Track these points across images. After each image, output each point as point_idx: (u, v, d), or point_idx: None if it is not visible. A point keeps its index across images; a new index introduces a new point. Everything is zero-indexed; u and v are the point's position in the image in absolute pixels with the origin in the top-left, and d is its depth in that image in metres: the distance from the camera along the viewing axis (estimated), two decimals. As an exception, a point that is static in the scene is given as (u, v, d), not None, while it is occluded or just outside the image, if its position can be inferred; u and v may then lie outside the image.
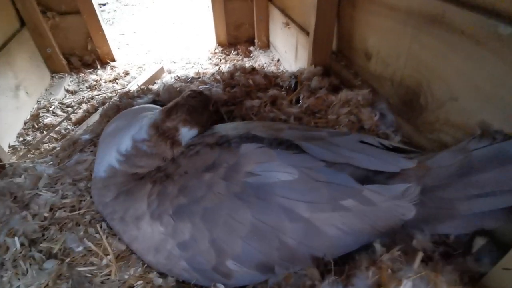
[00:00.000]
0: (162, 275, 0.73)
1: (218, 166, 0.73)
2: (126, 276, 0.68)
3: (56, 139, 1.39)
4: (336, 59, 1.32)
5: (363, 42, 1.11)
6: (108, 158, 0.80)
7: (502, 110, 0.63)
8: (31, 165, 0.93)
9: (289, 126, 0.87)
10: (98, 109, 1.52)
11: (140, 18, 3.18)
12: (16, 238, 0.69)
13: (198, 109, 0.88)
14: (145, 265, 0.74)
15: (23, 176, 0.88)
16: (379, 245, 0.65)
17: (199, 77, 1.40)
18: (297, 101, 1.20)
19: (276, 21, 2.04)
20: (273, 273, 0.69)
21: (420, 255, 0.60)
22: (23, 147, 1.36)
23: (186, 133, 0.84)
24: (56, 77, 1.95)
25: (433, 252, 0.65)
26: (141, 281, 0.68)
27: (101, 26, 1.98)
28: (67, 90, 1.87)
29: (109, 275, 0.68)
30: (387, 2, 0.93)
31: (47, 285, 0.63)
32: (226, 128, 0.86)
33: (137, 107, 0.99)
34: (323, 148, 0.73)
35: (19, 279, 0.65)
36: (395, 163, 0.70)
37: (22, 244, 0.70)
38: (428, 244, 0.65)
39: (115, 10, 3.46)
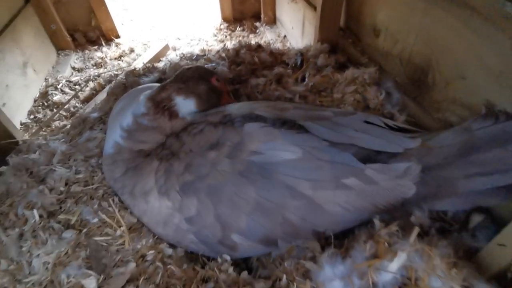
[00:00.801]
0: (172, 246, 0.78)
1: (222, 144, 0.75)
2: (138, 246, 0.73)
3: (66, 117, 1.43)
4: (344, 36, 1.29)
5: (372, 17, 1.08)
6: (114, 135, 0.83)
7: (508, 89, 0.62)
8: (44, 142, 0.97)
9: (294, 106, 0.87)
10: (105, 87, 1.53)
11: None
12: (34, 211, 0.74)
13: (194, 78, 0.87)
14: (156, 237, 0.78)
15: (37, 153, 0.92)
16: (378, 221, 0.68)
17: (204, 55, 1.39)
18: (303, 79, 1.19)
19: (283, -6, 1.98)
20: (276, 246, 0.72)
21: (416, 230, 0.62)
22: (34, 124, 1.40)
23: (182, 103, 0.83)
24: (62, 54, 1.95)
25: (430, 227, 0.67)
26: (153, 251, 0.73)
27: (103, 1, 1.94)
28: (73, 68, 1.88)
29: (123, 244, 0.72)
30: (398, -25, 0.89)
31: (66, 252, 0.68)
32: (230, 107, 0.87)
33: (141, 86, 1.00)
34: (327, 128, 0.74)
35: (39, 248, 0.70)
36: (399, 143, 0.71)
37: (40, 216, 0.75)
38: (426, 220, 0.68)
39: (118, -16, 3.36)
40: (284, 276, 0.65)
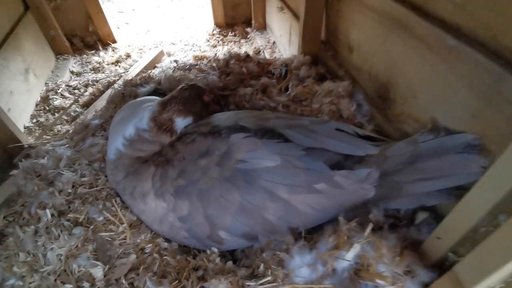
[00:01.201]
0: (167, 240, 0.90)
1: (211, 153, 0.87)
2: (138, 240, 0.84)
3: (67, 121, 1.52)
4: (325, 48, 1.41)
5: (346, 35, 1.20)
6: (116, 143, 0.94)
7: (448, 109, 0.75)
8: (51, 148, 1.07)
9: (275, 116, 1.00)
10: (103, 92, 1.63)
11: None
12: (47, 210, 0.85)
13: (191, 99, 1.00)
14: (153, 233, 0.90)
15: (45, 158, 1.03)
16: (342, 218, 0.81)
17: (197, 64, 1.50)
18: (286, 89, 1.31)
19: (272, 3, 2.08)
20: (257, 241, 0.85)
21: (370, 226, 0.75)
22: (37, 128, 1.50)
23: (181, 122, 0.97)
24: (61, 58, 2.03)
25: (384, 223, 0.80)
26: (151, 244, 0.85)
27: (100, 8, 2.03)
28: (72, 72, 1.97)
29: (125, 239, 0.84)
30: (366, 2, 1.01)
31: (77, 246, 0.79)
32: (219, 118, 0.98)
33: (140, 99, 1.11)
34: (303, 135, 0.87)
35: (52, 243, 0.81)
36: (362, 149, 0.84)
37: (52, 215, 0.86)
38: (381, 217, 0.80)
39: (112, -15, 3.42)
40: (262, 265, 0.77)
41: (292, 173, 0.81)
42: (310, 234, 0.84)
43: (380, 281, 0.67)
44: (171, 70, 1.42)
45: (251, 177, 0.81)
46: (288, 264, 0.75)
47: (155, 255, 0.82)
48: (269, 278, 0.72)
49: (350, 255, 0.70)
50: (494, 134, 0.64)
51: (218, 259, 0.82)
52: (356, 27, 1.12)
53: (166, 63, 1.92)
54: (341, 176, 0.80)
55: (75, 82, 1.83)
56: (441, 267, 0.71)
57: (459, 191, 0.74)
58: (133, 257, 0.81)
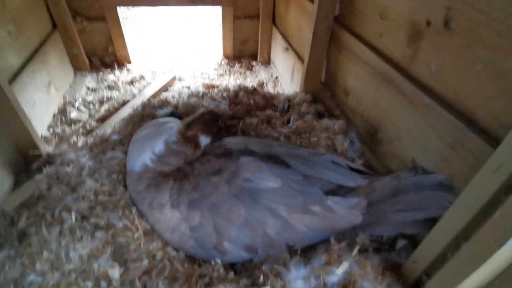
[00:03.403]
0: (175, 250, 1.00)
1: (223, 171, 1.00)
2: (151, 247, 0.94)
3: (82, 133, 1.63)
4: (324, 89, 1.60)
5: (343, 81, 1.39)
6: (143, 157, 1.07)
7: (424, 153, 0.91)
8: (75, 157, 1.18)
9: (279, 144, 1.15)
10: (118, 109, 1.76)
11: (153, 21, 3.39)
12: (73, 213, 0.94)
13: (210, 122, 1.16)
14: (164, 241, 1.00)
15: (70, 166, 1.13)
16: (333, 240, 0.93)
17: (209, 92, 1.66)
18: (288, 122, 1.47)
19: (278, 43, 2.31)
20: (257, 254, 0.96)
21: (357, 247, 0.87)
22: (53, 137, 1.60)
23: (204, 140, 1.13)
24: (79, 74, 2.18)
25: (369, 246, 0.92)
26: (161, 252, 0.94)
27: (122, 33, 2.22)
28: (88, 88, 2.10)
29: (139, 245, 0.94)
30: (361, 57, 1.21)
31: (98, 248, 0.88)
32: (230, 142, 1.13)
33: (161, 120, 1.25)
34: (302, 163, 1.01)
35: (75, 243, 0.90)
36: (353, 180, 0.98)
37: (76, 218, 0.95)
38: (367, 241, 0.93)
39: (128, 9, 3.66)
40: (261, 276, 0.87)
41: (291, 195, 0.94)
42: (305, 252, 0.96)
43: (363, 295, 0.78)
44: (186, 96, 1.57)
45: (256, 195, 0.94)
46: (285, 276, 0.85)
47: (166, 261, 0.92)
48: (268, 287, 0.83)
49: (340, 271, 0.82)
50: (459, 176, 0.79)
51: (221, 269, 0.92)
52: (352, 75, 1.31)
53: (178, 87, 2.09)
54: (334, 201, 0.93)
55: (90, 97, 1.96)
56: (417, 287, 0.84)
57: (433, 222, 0.88)
58: (145, 262, 0.90)
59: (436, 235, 0.76)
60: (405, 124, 0.98)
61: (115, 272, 0.85)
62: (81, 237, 0.90)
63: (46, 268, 0.85)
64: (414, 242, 0.93)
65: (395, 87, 1.00)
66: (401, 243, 0.93)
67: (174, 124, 1.16)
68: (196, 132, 1.11)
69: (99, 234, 0.91)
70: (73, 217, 0.94)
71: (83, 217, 0.96)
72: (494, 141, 0.69)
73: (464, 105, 0.77)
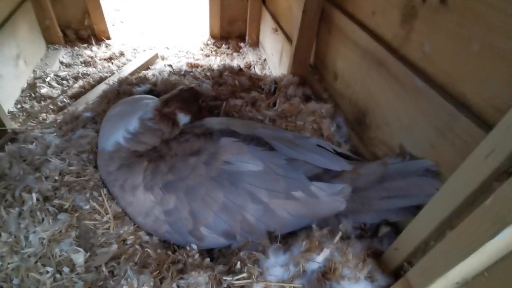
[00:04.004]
0: (149, 234, 0.94)
1: (201, 152, 0.93)
2: (121, 231, 0.88)
3: (53, 110, 1.52)
4: (312, 72, 1.54)
5: (333, 64, 1.33)
6: (116, 136, 0.98)
7: (411, 138, 0.87)
8: (40, 134, 1.08)
9: (263, 126, 1.09)
10: (94, 86, 1.65)
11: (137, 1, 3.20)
12: (33, 194, 0.86)
13: (190, 100, 1.08)
14: (136, 226, 0.94)
15: (34, 144, 1.04)
16: (315, 226, 0.89)
17: (191, 71, 1.57)
18: (274, 105, 1.41)
19: (267, 24, 2.22)
20: (235, 240, 0.91)
21: (339, 234, 0.84)
22: (21, 114, 1.48)
23: (182, 118, 1.04)
24: (51, 48, 2.02)
25: (351, 233, 0.89)
26: (132, 237, 0.88)
27: (99, 4, 2.06)
28: (61, 63, 1.96)
29: (108, 229, 0.87)
30: (352, 38, 1.15)
31: (60, 231, 0.81)
32: (212, 122, 1.06)
33: (137, 96, 1.17)
34: (287, 146, 0.95)
35: (35, 226, 0.82)
36: (339, 164, 0.94)
37: (37, 199, 0.87)
38: (349, 228, 0.90)
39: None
40: (239, 263, 0.83)
41: (272, 179, 0.89)
42: (285, 239, 0.92)
43: (343, 283, 0.75)
44: (167, 74, 1.47)
45: (235, 179, 0.88)
46: (263, 263, 0.81)
47: (137, 246, 0.86)
48: (244, 275, 0.78)
49: (320, 258, 0.79)
50: (447, 162, 0.76)
51: (197, 255, 0.87)
52: (342, 58, 1.26)
53: (160, 66, 1.98)
54: (317, 187, 0.89)
55: (64, 73, 1.83)
56: (397, 275, 0.81)
57: (418, 210, 0.85)
58: (114, 246, 0.84)
59: (419, 222, 0.74)
60: (394, 109, 0.94)
61: (79, 257, 0.79)
62: (42, 220, 0.83)
63: (5, 252, 0.78)
64: (397, 229, 0.91)
65: (386, 69, 0.95)
66: (383, 230, 0.90)
67: (151, 101, 1.08)
68: (174, 109, 1.03)
69: (62, 216, 0.84)
70: (34, 198, 0.86)
71: (46, 198, 0.88)
72: (486, 125, 0.65)
73: (456, 88, 0.73)
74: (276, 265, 0.80)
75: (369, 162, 0.97)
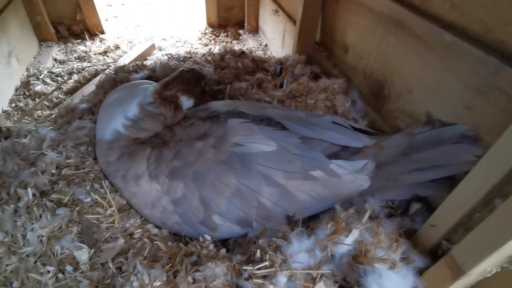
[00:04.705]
0: (157, 227, 0.86)
1: (208, 136, 0.85)
2: (127, 225, 0.80)
3: (48, 107, 1.45)
4: (319, 49, 1.44)
5: (342, 36, 1.24)
6: (114, 124, 0.90)
7: (441, 103, 0.79)
8: (34, 128, 1.00)
9: (272, 106, 1.00)
10: (90, 80, 1.57)
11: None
12: (29, 189, 0.79)
13: (192, 81, 0.99)
14: (142, 218, 0.86)
15: (28, 138, 0.96)
16: (339, 207, 0.81)
17: (191, 57, 1.48)
18: (281, 86, 1.33)
19: (266, 7, 2.12)
20: (251, 228, 0.83)
21: (368, 212, 0.76)
22: (16, 112, 1.41)
23: (185, 102, 0.96)
24: (44, 45, 1.95)
25: (379, 213, 0.81)
26: (140, 230, 0.81)
27: (91, -3, 1.98)
28: (55, 59, 1.88)
29: (113, 223, 0.79)
30: (364, 3, 1.06)
31: (60, 227, 0.74)
32: (217, 104, 0.98)
33: (135, 81, 1.08)
34: (300, 125, 0.87)
35: (32, 223, 0.75)
36: (359, 140, 0.85)
37: (33, 195, 0.79)
38: (377, 207, 0.81)
39: (102, -21, 3.35)
40: (258, 251, 0.75)
41: (288, 159, 0.81)
42: (306, 224, 0.83)
43: (379, 265, 0.67)
44: (166, 59, 1.39)
45: (247, 161, 0.80)
46: (285, 250, 0.73)
47: (145, 240, 0.78)
48: (266, 263, 0.70)
49: (350, 239, 0.71)
50: (487, 124, 0.67)
51: (211, 246, 0.80)
52: (352, 27, 1.16)
53: (157, 56, 1.89)
54: (338, 165, 0.81)
55: (58, 69, 1.75)
56: (434, 255, 0.73)
57: (452, 182, 0.77)
58: (121, 241, 0.77)
59: (461, 192, 0.65)
60: (418, 73, 0.85)
61: (82, 254, 0.71)
62: (40, 216, 0.75)
63: (2, 252, 0.71)
64: (428, 205, 0.83)
65: (407, 30, 0.86)
66: (415, 206, 0.82)
67: (150, 85, 0.99)
68: (176, 92, 0.94)
69: (61, 211, 0.76)
70: (30, 194, 0.78)
71: (43, 193, 0.81)
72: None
73: (495, 37, 0.64)
74: (301, 251, 0.72)
75: (392, 134, 0.88)
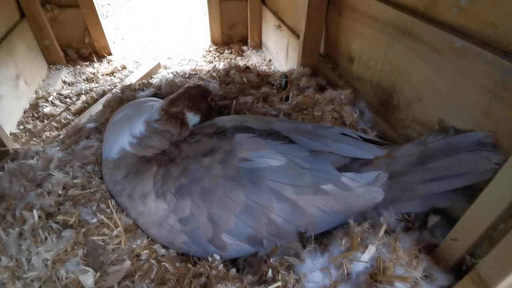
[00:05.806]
0: (165, 247, 0.83)
1: (215, 152, 0.83)
2: (134, 246, 0.78)
3: (57, 128, 1.46)
4: (323, 61, 1.44)
5: (347, 47, 1.24)
6: (120, 142, 0.89)
7: (455, 109, 0.76)
8: (41, 149, 1.00)
9: (279, 120, 0.99)
10: (97, 100, 1.59)
11: (135, 13, 3.22)
12: (34, 211, 0.77)
13: (198, 98, 0.99)
14: (149, 238, 0.83)
15: (35, 158, 0.96)
16: (352, 222, 0.77)
17: (196, 74, 1.50)
18: (287, 99, 1.31)
19: (269, 23, 2.15)
20: (262, 246, 0.80)
21: (384, 227, 0.72)
22: (24, 134, 1.42)
23: (192, 118, 0.95)
24: (53, 68, 1.99)
25: (395, 226, 0.77)
26: (147, 251, 0.78)
27: (99, 20, 2.04)
28: (64, 82, 1.92)
29: (119, 244, 0.77)
30: (368, 13, 1.05)
31: (66, 250, 0.72)
32: (223, 120, 0.96)
33: (141, 99, 1.09)
34: (308, 138, 0.85)
35: (38, 247, 0.73)
36: (370, 151, 0.83)
37: (39, 217, 0.78)
38: (392, 220, 0.78)
39: (109, 4, 3.47)
40: (270, 270, 0.71)
41: (297, 173, 0.78)
42: (318, 240, 0.80)
43: (399, 284, 0.62)
44: (171, 77, 1.40)
45: (256, 176, 0.78)
46: (298, 269, 0.70)
47: (152, 261, 0.75)
48: (279, 284, 0.67)
49: (366, 256, 0.67)
50: (506, 129, 0.64)
51: (221, 266, 0.76)
52: (356, 38, 1.16)
53: (163, 74, 1.92)
54: (349, 178, 0.78)
55: (67, 91, 1.78)
56: (457, 271, 0.68)
57: (471, 192, 0.73)
58: (127, 263, 0.74)
59: (484, 203, 0.61)
60: (428, 80, 0.83)
61: (88, 278, 0.69)
62: (45, 239, 0.74)
63: (6, 278, 0.69)
64: (448, 218, 0.78)
65: (413, 37, 0.85)
66: (433, 219, 0.78)
67: (156, 103, 0.99)
68: (182, 108, 0.94)
69: (67, 233, 0.74)
70: (36, 216, 0.77)
71: (49, 215, 0.79)
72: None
73: (507, 40, 0.62)
74: (315, 270, 0.69)
75: (404, 144, 0.85)
